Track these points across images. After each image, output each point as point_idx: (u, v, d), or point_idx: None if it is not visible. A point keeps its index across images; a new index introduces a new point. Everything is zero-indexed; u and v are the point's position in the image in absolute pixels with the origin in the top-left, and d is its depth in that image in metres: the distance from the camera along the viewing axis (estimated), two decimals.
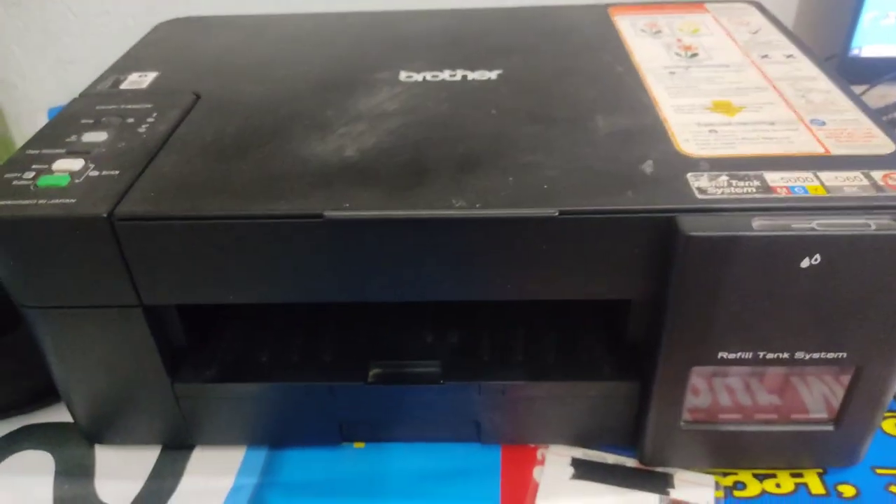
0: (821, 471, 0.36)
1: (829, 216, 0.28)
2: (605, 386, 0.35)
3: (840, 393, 0.33)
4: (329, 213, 0.29)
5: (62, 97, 0.79)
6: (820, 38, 0.76)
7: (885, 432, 0.38)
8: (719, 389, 0.33)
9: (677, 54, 0.41)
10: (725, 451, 0.36)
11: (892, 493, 0.35)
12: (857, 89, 0.68)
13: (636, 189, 0.30)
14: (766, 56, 0.41)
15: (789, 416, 0.34)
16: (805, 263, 0.28)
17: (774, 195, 0.29)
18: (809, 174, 0.30)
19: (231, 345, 0.37)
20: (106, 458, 0.39)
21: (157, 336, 0.33)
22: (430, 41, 0.45)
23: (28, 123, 0.83)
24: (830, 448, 0.35)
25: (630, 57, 0.41)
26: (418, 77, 0.40)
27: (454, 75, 0.40)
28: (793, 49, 0.42)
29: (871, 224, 0.28)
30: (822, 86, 0.37)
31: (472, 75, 0.40)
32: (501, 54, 0.43)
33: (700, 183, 0.30)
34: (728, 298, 0.29)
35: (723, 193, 0.29)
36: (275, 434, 0.38)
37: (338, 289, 0.32)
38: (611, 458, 0.37)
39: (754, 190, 0.29)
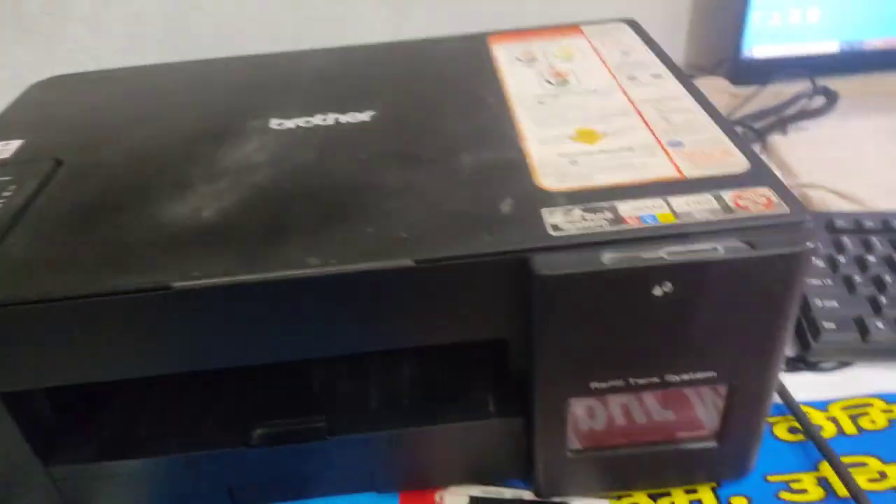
0: (714, 485, 0.37)
1: (678, 243, 0.29)
2: (492, 423, 0.35)
3: (719, 410, 0.33)
4: (177, 284, 0.28)
5: None
6: (714, 41, 0.78)
7: (776, 437, 0.39)
8: (601, 416, 0.33)
9: (548, 82, 0.42)
10: (616, 475, 0.36)
11: (782, 499, 0.36)
12: (750, 90, 0.70)
13: (492, 231, 0.30)
14: (633, 78, 0.41)
15: (674, 435, 0.34)
16: (658, 292, 0.28)
17: (625, 226, 0.29)
18: (660, 201, 0.30)
19: (108, 418, 0.36)
20: None
21: (21, 422, 0.32)
22: (304, 84, 0.45)
23: None
24: (718, 463, 0.35)
25: (502, 88, 0.42)
26: (289, 124, 0.40)
27: (326, 119, 0.40)
28: (660, 68, 0.43)
29: (720, 248, 0.28)
30: (685, 105, 0.38)
31: (344, 118, 0.40)
32: (376, 94, 0.42)
33: (554, 219, 0.30)
34: (589, 331, 0.29)
35: (576, 229, 0.29)
36: None
37: (201, 358, 0.31)
38: (508, 493, 0.37)
39: (606, 222, 0.29)
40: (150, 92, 0.46)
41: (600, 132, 0.36)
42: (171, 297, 0.28)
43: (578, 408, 0.32)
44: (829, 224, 0.50)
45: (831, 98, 0.69)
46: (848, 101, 0.68)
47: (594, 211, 0.30)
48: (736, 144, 0.34)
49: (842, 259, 0.48)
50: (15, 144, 0.40)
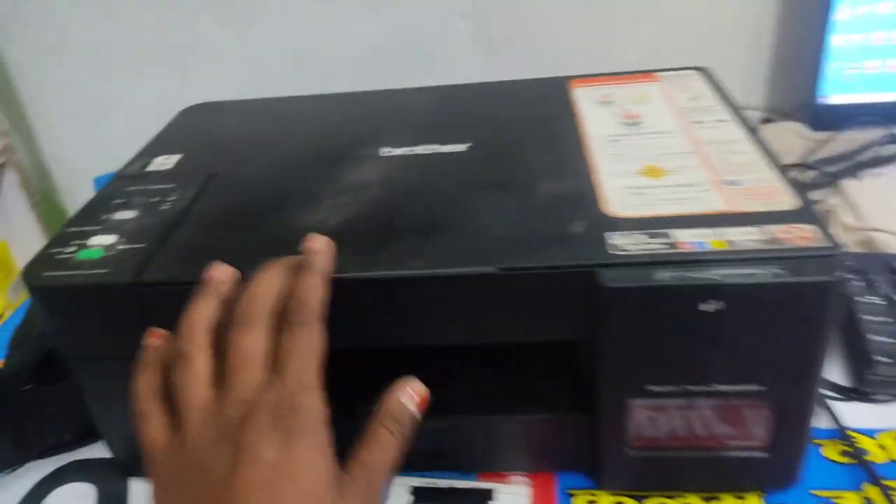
0: (761, 493, 0.40)
1: (726, 267, 0.33)
2: (560, 417, 0.40)
3: (766, 421, 0.37)
4: None
5: (106, 168, 0.88)
6: (792, 87, 0.81)
7: (825, 458, 0.42)
8: (659, 419, 0.38)
9: (621, 123, 0.47)
10: (672, 476, 0.40)
11: None
12: (826, 135, 0.73)
13: (564, 247, 0.35)
14: (699, 122, 0.46)
15: (724, 442, 0.38)
16: (706, 308, 0.33)
17: (680, 250, 0.34)
18: (714, 230, 0.35)
19: None
20: (139, 488, 0.45)
21: None
22: (409, 118, 0.52)
23: (77, 192, 0.93)
24: (765, 472, 0.39)
25: (580, 127, 0.48)
26: (397, 152, 0.47)
27: (428, 149, 0.47)
28: (725, 114, 0.47)
29: (762, 273, 0.33)
30: (744, 148, 0.43)
31: (443, 148, 0.47)
32: (470, 129, 0.49)
33: (618, 241, 0.35)
34: (646, 338, 0.35)
35: (637, 249, 0.35)
36: None
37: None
38: (443, 483, 0.42)
39: (663, 246, 0.35)
40: (279, 119, 0.55)
41: (664, 169, 0.41)
42: None
43: (638, 408, 0.37)
44: (889, 265, 0.53)
45: None
46: None
47: (653, 236, 0.35)
48: (788, 186, 0.39)
49: None
50: (174, 158, 0.49)
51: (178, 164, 0.49)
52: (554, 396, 0.41)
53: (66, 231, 0.42)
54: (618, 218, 0.37)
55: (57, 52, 0.83)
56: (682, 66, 0.57)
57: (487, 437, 0.41)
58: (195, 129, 0.55)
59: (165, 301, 0.37)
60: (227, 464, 0.29)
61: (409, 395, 0.34)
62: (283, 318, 0.32)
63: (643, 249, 0.35)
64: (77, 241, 0.40)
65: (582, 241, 0.36)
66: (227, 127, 0.55)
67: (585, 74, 0.56)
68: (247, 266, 0.37)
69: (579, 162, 0.43)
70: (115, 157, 0.88)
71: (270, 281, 0.34)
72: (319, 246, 0.35)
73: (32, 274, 0.38)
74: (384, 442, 0.32)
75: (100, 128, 0.88)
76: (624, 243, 0.35)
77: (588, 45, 0.78)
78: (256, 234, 0.39)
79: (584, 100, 0.52)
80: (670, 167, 0.41)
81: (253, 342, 0.32)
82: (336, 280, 0.35)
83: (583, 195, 0.40)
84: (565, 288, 0.35)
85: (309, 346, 0.32)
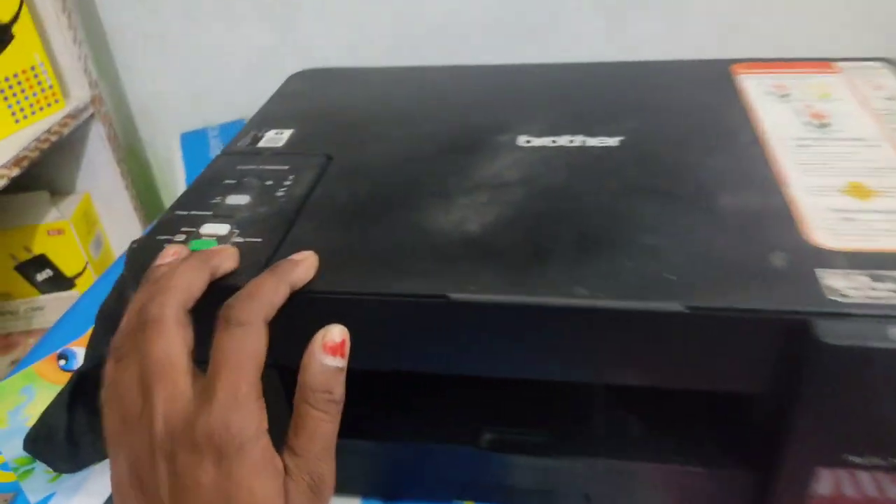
0: None
1: None
2: (722, 474, 0.34)
3: None
4: (453, 295, 0.30)
5: (193, 124, 0.85)
6: None
7: None
8: (849, 489, 0.32)
9: (807, 123, 0.40)
10: None
11: None
12: None
13: (765, 285, 0.29)
14: None
15: None
16: None
17: None
18: None
19: (354, 403, 0.39)
20: None
21: (288, 393, 0.35)
22: (550, 100, 0.46)
23: (162, 147, 0.91)
24: None
25: (756, 124, 0.40)
26: (537, 142, 0.41)
27: (573, 141, 0.41)
28: None
29: None
30: None
31: (591, 141, 0.41)
32: (621, 117, 0.43)
33: (835, 283, 0.29)
34: (862, 405, 0.28)
35: (860, 297, 0.28)
36: (389, 488, 0.39)
37: (458, 362, 0.33)
38: None
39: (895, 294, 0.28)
40: (398, 92, 0.49)
41: (873, 188, 0.34)
42: (444, 306, 0.30)
43: (827, 477, 0.31)
44: None
45: None
46: None
47: (878, 279, 0.29)
48: None
49: None
50: (286, 134, 0.45)
51: (291, 140, 0.44)
52: (717, 449, 0.35)
53: (173, 214, 0.37)
54: (829, 251, 0.30)
55: (149, 2, 0.80)
56: (841, 55, 0.48)
57: (633, 484, 0.36)
58: (307, 98, 0.50)
59: (284, 307, 0.32)
60: (165, 482, 0.26)
61: (322, 348, 0.29)
62: (222, 314, 0.28)
63: (869, 297, 0.28)
64: (187, 228, 0.36)
65: (788, 279, 0.29)
66: (341, 98, 0.49)
67: (746, 58, 0.49)
68: (379, 279, 0.32)
69: (763, 169, 0.36)
70: (204, 114, 0.85)
71: (186, 270, 0.30)
72: (300, 257, 0.32)
73: (139, 263, 0.34)
74: (313, 421, 0.29)
75: (190, 82, 0.84)
76: (844, 287, 0.29)
77: (730, 21, 0.69)
78: (385, 236, 0.34)
79: (756, 90, 0.44)
80: (880, 187, 0.34)
81: (166, 347, 0.27)
82: (487, 302, 0.30)
83: (776, 214, 0.33)
84: (763, 335, 0.29)
85: (245, 350, 0.27)
